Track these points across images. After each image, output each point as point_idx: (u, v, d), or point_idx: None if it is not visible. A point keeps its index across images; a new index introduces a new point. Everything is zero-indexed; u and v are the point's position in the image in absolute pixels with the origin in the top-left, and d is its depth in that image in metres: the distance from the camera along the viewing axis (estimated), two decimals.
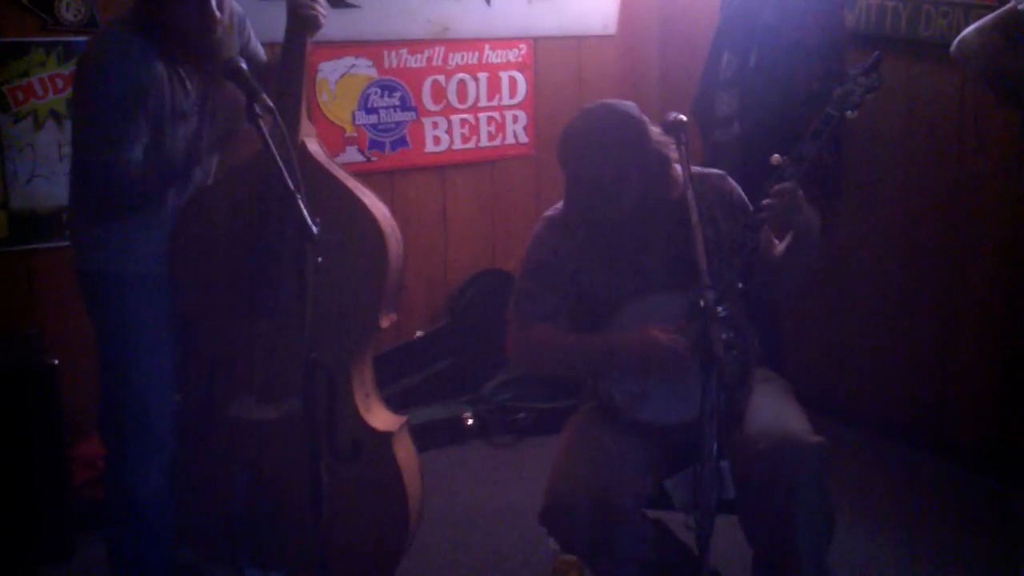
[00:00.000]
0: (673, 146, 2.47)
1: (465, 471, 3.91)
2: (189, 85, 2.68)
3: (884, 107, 3.90)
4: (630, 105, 2.55)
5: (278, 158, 2.22)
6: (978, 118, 3.58)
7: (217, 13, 2.58)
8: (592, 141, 2.49)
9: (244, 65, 2.40)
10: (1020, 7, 2.71)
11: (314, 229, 2.14)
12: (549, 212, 2.70)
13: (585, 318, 2.60)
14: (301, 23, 2.73)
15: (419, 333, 4.37)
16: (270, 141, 2.24)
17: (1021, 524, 3.28)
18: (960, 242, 3.85)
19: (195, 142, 2.74)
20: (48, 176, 3.59)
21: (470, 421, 4.24)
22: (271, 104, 2.32)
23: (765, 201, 2.41)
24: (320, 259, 2.18)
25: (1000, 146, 3.53)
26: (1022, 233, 3.41)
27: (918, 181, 3.96)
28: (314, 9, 2.73)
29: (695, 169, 2.58)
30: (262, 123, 2.28)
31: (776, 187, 2.41)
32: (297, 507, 2.60)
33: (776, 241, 2.62)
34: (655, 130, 2.51)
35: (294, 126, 2.69)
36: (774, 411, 2.52)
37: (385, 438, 2.84)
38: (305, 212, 2.16)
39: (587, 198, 2.51)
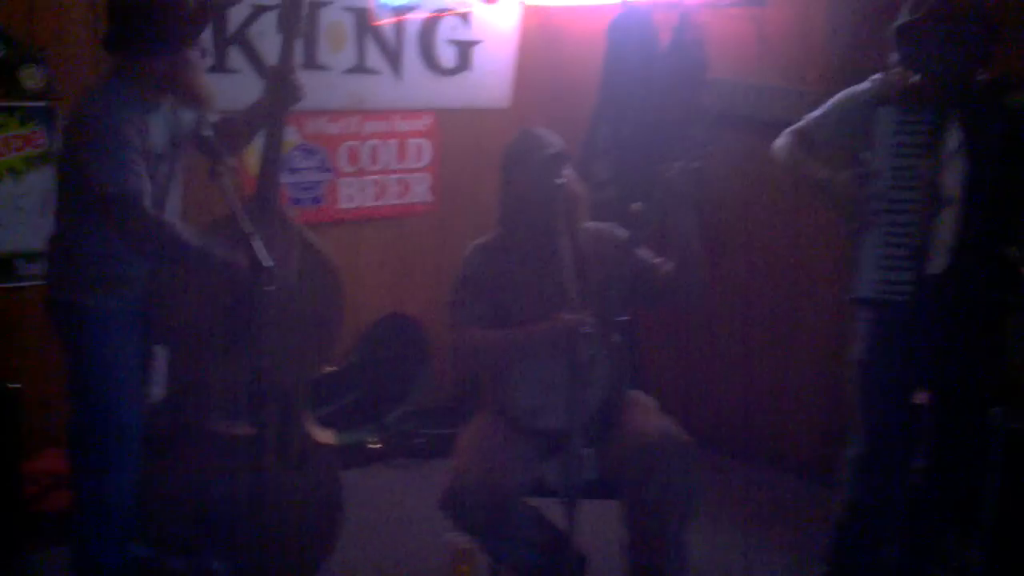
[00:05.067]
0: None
1: (371, 489, 4.15)
2: (163, 130, 2.91)
3: (733, 174, 4.28)
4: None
5: (237, 209, 2.62)
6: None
7: (202, 60, 2.89)
8: (550, 142, 3.02)
9: (209, 133, 2.79)
10: (808, 124, 3.11)
11: (266, 263, 2.51)
12: (478, 241, 3.12)
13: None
14: (290, 100, 3.06)
15: (330, 369, 4.52)
16: (231, 194, 2.65)
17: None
18: (795, 287, 4.28)
19: (166, 180, 2.96)
20: (4, 225, 3.83)
21: (374, 446, 4.52)
22: (233, 164, 2.74)
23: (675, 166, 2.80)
24: (270, 287, 2.53)
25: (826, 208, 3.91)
26: (846, 277, 3.87)
27: (759, 236, 4.39)
28: (301, 90, 3.06)
29: (592, 224, 3.10)
30: (224, 180, 2.67)
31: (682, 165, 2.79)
32: (254, 508, 2.81)
33: (661, 262, 2.99)
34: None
35: (276, 186, 3.04)
36: (655, 417, 2.98)
37: (328, 450, 3.20)
38: (258, 250, 2.53)
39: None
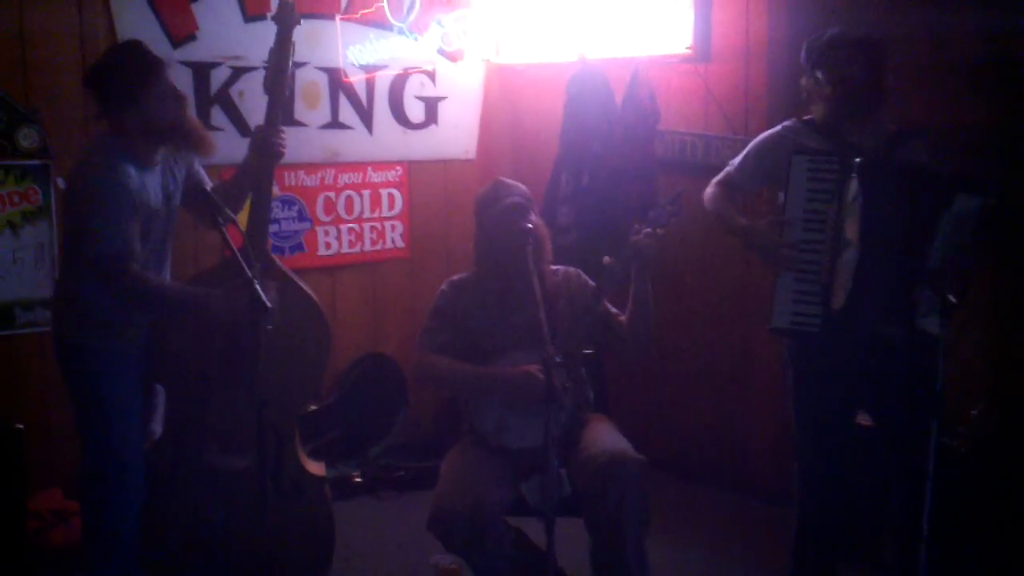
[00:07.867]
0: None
1: (357, 519, 4.28)
2: (158, 187, 3.06)
3: (687, 217, 4.44)
4: None
5: (238, 255, 2.85)
6: None
7: (182, 91, 3.07)
8: (519, 190, 3.28)
9: (209, 187, 3.04)
10: (730, 173, 3.38)
11: (268, 304, 2.74)
12: (453, 278, 3.35)
13: (471, 359, 3.21)
14: (271, 156, 3.22)
15: (313, 407, 4.53)
16: (230, 242, 2.89)
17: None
18: (747, 320, 4.48)
19: (163, 235, 3.13)
20: (3, 276, 4.03)
21: (358, 479, 4.68)
22: (232, 215, 2.95)
23: (640, 234, 3.03)
24: (270, 326, 2.78)
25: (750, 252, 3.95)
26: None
27: (713, 272, 4.59)
28: (282, 145, 3.24)
29: (561, 267, 3.36)
30: (223, 229, 2.91)
31: (646, 232, 3.02)
32: (252, 536, 3.06)
33: (620, 315, 3.24)
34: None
35: (264, 235, 3.22)
36: (609, 437, 3.18)
37: (320, 480, 3.38)
38: (260, 291, 2.76)
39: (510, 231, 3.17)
